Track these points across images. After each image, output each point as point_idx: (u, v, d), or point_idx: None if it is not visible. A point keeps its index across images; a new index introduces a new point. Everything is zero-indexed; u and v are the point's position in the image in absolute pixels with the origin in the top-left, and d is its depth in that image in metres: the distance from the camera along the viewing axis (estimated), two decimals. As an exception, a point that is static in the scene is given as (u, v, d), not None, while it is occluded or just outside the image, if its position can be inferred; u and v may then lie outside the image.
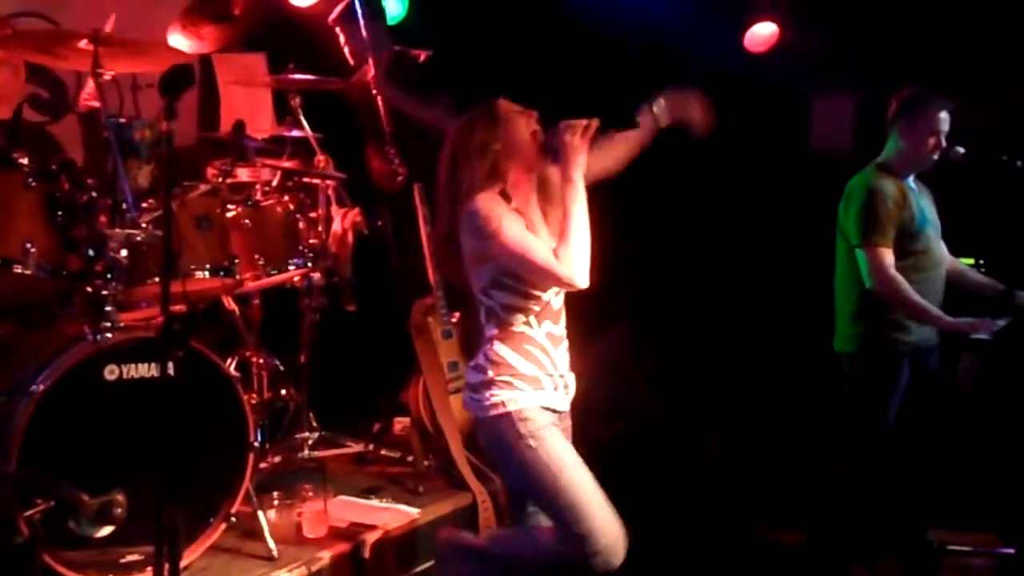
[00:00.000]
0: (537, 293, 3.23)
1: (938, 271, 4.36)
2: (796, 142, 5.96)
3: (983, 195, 4.98)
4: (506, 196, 3.26)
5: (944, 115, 4.26)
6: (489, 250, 3.17)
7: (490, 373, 3.24)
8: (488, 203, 3.18)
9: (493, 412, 3.23)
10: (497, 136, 3.27)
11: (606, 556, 3.20)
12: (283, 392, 4.76)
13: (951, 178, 4.48)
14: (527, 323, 3.26)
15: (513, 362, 3.24)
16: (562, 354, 3.34)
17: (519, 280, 3.21)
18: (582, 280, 3.15)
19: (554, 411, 3.30)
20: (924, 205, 4.35)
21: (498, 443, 3.27)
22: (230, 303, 4.60)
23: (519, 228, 3.17)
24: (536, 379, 3.26)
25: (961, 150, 4.34)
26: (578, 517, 3.18)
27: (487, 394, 3.24)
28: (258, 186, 4.41)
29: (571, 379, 3.39)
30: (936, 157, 4.29)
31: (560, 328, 3.34)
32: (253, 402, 4.53)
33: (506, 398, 3.22)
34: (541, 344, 3.27)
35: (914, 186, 4.36)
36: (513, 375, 3.23)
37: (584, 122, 3.21)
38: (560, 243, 3.15)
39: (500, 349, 3.25)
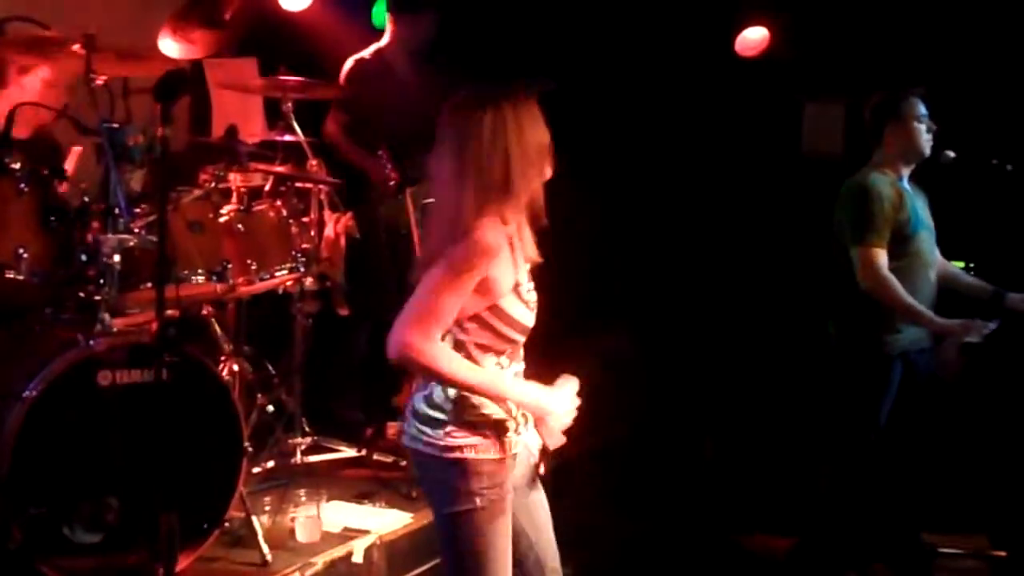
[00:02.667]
0: (514, 336, 2.86)
1: (930, 273, 4.38)
2: (787, 146, 5.98)
3: (973, 198, 5.00)
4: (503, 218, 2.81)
5: (919, 101, 4.31)
6: (440, 273, 2.73)
7: (450, 413, 2.82)
8: (492, 237, 2.74)
9: (447, 456, 2.81)
10: (521, 135, 2.78)
11: None
12: (259, 399, 4.73)
13: (942, 181, 4.51)
14: (499, 364, 2.86)
15: (478, 403, 2.82)
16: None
17: (497, 320, 2.82)
18: (396, 355, 2.74)
19: (514, 454, 2.90)
20: (919, 207, 4.37)
21: (438, 487, 2.86)
22: (206, 308, 4.56)
23: (454, 288, 2.72)
24: (504, 422, 2.85)
25: (951, 153, 4.38)
26: None
27: (442, 433, 2.81)
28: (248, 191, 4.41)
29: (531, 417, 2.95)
30: (931, 143, 4.32)
31: (521, 366, 2.96)
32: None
33: (466, 443, 2.81)
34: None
35: (909, 188, 4.38)
36: (479, 419, 2.82)
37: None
38: (455, 366, 2.75)
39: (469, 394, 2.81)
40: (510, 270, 2.83)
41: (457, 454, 2.81)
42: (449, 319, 2.75)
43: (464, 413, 2.82)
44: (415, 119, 5.02)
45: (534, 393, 2.87)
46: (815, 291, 4.54)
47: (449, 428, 2.82)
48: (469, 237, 2.71)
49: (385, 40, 5.27)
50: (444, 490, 2.85)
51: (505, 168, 2.76)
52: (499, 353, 2.86)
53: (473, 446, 2.82)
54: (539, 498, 3.08)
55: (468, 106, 2.81)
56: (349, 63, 5.21)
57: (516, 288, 2.85)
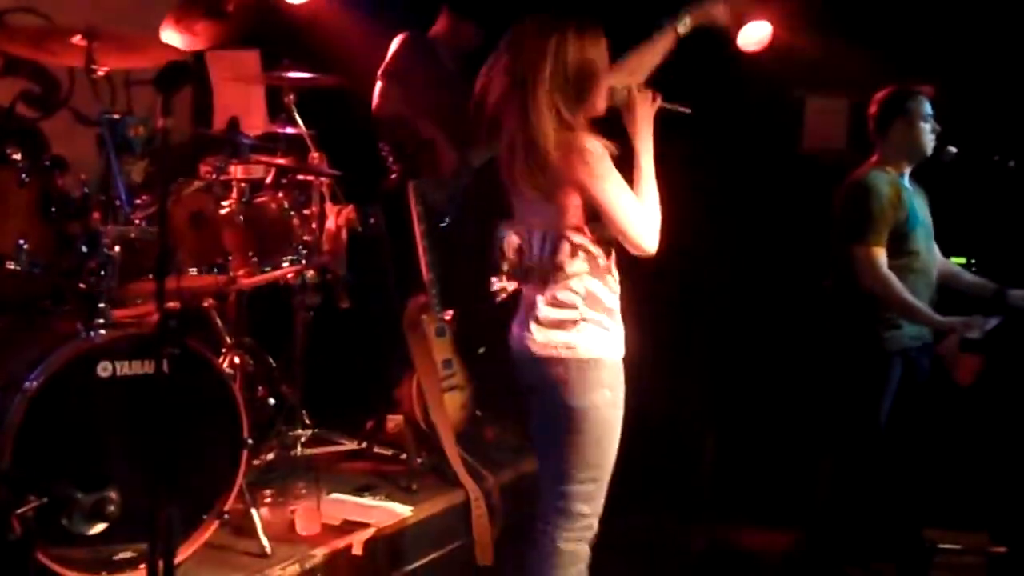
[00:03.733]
0: None
1: (930, 271, 4.38)
2: (789, 142, 5.97)
3: (975, 195, 4.99)
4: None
5: (927, 100, 4.31)
6: (595, 191, 3.08)
7: (582, 309, 3.14)
8: (596, 143, 3.10)
9: (583, 355, 3.13)
10: (599, 62, 3.17)
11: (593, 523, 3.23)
12: (259, 391, 4.73)
13: (944, 177, 4.50)
14: (609, 256, 3.21)
15: (604, 298, 3.16)
16: None
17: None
18: (654, 249, 3.14)
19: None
20: (918, 205, 4.36)
21: (570, 384, 3.13)
22: (207, 300, 4.56)
23: (622, 181, 3.11)
24: (618, 314, 3.20)
25: (953, 150, 4.37)
26: (595, 478, 3.19)
27: (574, 334, 3.13)
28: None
29: None
30: (934, 144, 4.32)
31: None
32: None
33: (598, 342, 3.14)
34: (615, 275, 3.23)
35: (909, 185, 4.37)
36: (605, 312, 3.16)
37: (649, 92, 3.26)
38: (644, 199, 3.16)
39: (591, 284, 3.15)
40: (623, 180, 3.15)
41: (592, 353, 3.13)
42: (637, 202, 3.13)
43: (594, 308, 3.14)
44: (451, 110, 5.09)
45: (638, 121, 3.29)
46: (815, 288, 4.53)
47: (582, 329, 3.13)
48: (578, 137, 3.09)
49: (433, 30, 5.26)
50: (577, 384, 3.12)
51: (580, 85, 3.11)
52: (612, 246, 3.19)
53: (605, 343, 3.15)
54: None
55: (535, 34, 3.14)
56: (401, 36, 5.17)
57: None
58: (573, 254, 3.15)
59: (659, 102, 3.29)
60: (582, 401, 3.13)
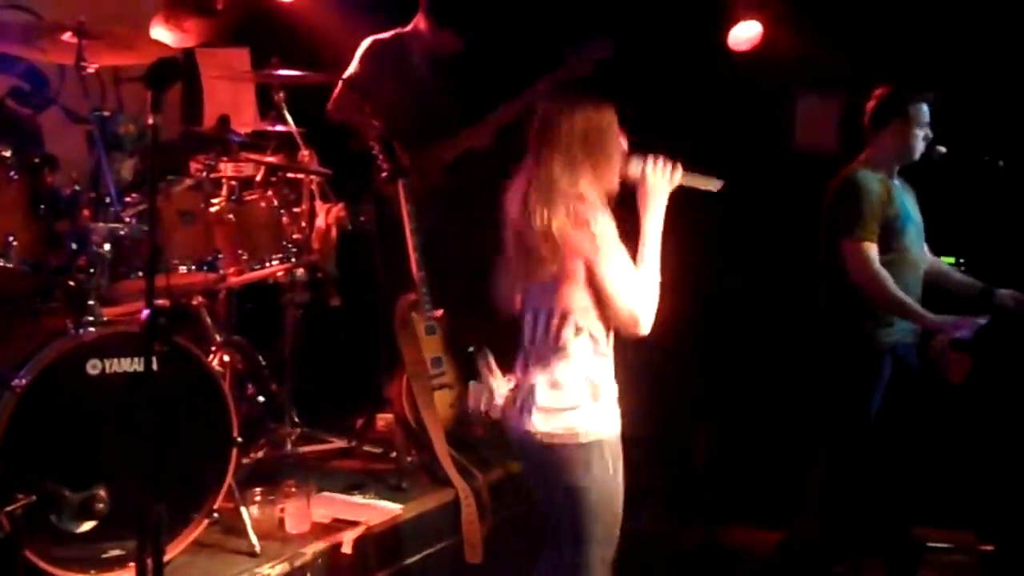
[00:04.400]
0: None
1: (918, 269, 4.39)
2: (781, 141, 5.98)
3: (965, 194, 5.01)
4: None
5: (927, 108, 4.31)
6: (597, 268, 3.07)
7: (584, 395, 3.12)
8: (607, 221, 3.08)
9: (583, 438, 3.11)
10: (614, 139, 3.17)
11: None
12: (249, 389, 4.72)
13: (933, 177, 4.51)
14: (607, 340, 3.18)
15: (604, 383, 3.15)
16: None
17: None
18: (647, 330, 3.12)
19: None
20: (908, 203, 4.38)
21: (573, 466, 3.13)
22: (197, 298, 4.55)
23: (626, 260, 3.10)
24: (614, 393, 3.20)
25: (943, 149, 4.38)
26: (597, 552, 3.21)
27: (578, 418, 3.11)
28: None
29: None
30: (923, 149, 4.33)
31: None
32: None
33: (599, 424, 3.13)
34: (610, 356, 3.21)
35: (899, 183, 4.38)
36: (605, 397, 3.15)
37: (669, 164, 3.20)
38: (644, 280, 3.12)
39: (593, 366, 3.13)
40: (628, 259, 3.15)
41: (592, 437, 3.10)
42: (635, 282, 3.11)
43: (596, 394, 3.12)
44: (418, 111, 5.10)
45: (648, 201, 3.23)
46: (806, 285, 4.54)
47: (583, 412, 3.10)
48: (590, 213, 3.05)
49: (409, 27, 5.23)
50: (579, 471, 3.11)
51: (593, 154, 3.12)
52: (610, 331, 3.17)
53: (604, 423, 3.14)
54: None
55: (549, 102, 3.20)
56: (367, 42, 5.14)
57: None
58: (577, 335, 3.13)
59: (679, 178, 3.24)
60: (585, 481, 3.12)
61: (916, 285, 4.36)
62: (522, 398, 3.20)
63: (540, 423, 3.14)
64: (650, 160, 3.21)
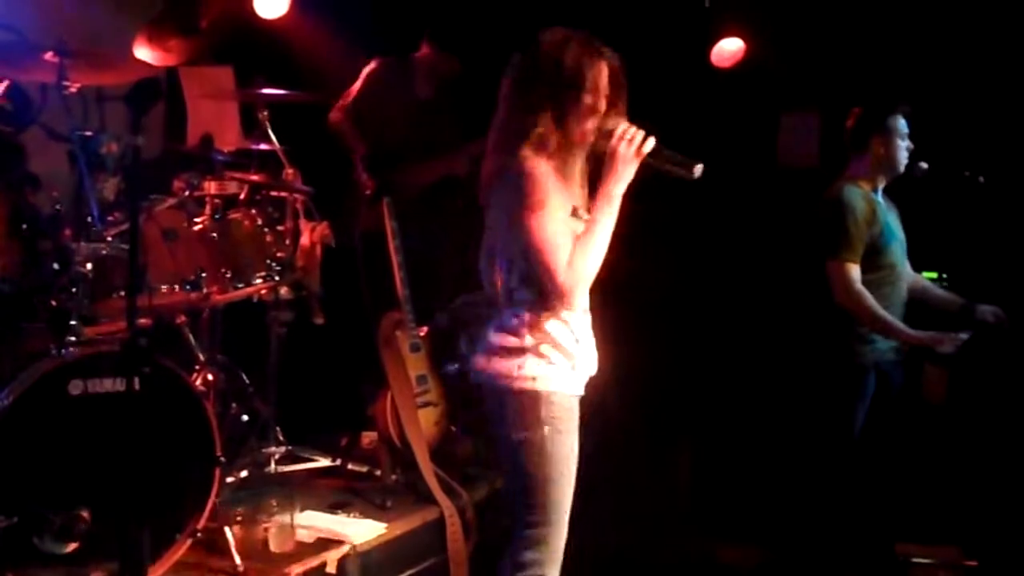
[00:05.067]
0: None
1: (902, 285, 4.41)
2: (763, 157, 6.00)
3: (946, 210, 5.03)
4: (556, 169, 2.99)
5: (905, 120, 4.34)
6: (522, 221, 2.90)
7: (527, 339, 2.97)
8: (540, 170, 2.91)
9: (519, 384, 2.97)
10: (586, 81, 2.98)
11: (543, 571, 3.08)
12: (232, 408, 4.70)
13: (915, 193, 4.54)
14: None
15: (554, 331, 2.98)
16: (589, 327, 3.12)
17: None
18: (575, 302, 2.95)
19: (577, 396, 3.09)
20: (891, 220, 4.40)
21: (509, 416, 3.00)
22: (180, 317, 4.54)
23: (557, 217, 2.91)
24: (572, 354, 3.01)
25: (924, 165, 4.41)
26: (543, 521, 3.04)
27: (515, 363, 2.97)
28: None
29: (595, 354, 3.16)
30: (907, 161, 4.35)
31: (587, 301, 3.10)
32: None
33: (539, 373, 2.97)
34: (579, 315, 3.06)
35: (882, 201, 4.40)
36: (552, 346, 2.98)
37: (642, 133, 2.97)
38: (575, 254, 2.91)
39: (539, 313, 2.98)
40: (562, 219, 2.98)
41: (529, 384, 2.97)
42: (566, 245, 2.91)
43: (539, 340, 2.98)
44: (417, 132, 5.16)
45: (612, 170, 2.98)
46: (790, 302, 4.55)
47: (525, 356, 2.97)
48: (519, 161, 2.93)
49: (419, 52, 5.34)
50: (515, 419, 2.99)
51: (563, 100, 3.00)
52: None
53: (547, 376, 2.98)
54: None
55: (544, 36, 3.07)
56: (374, 63, 5.28)
57: (575, 212, 3.01)
58: (522, 281, 3.00)
59: (649, 148, 2.99)
60: (520, 435, 3.00)
61: (900, 301, 4.38)
62: (478, 341, 3.14)
63: (482, 362, 3.06)
64: (623, 125, 3.00)
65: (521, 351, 2.99)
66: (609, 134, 2.99)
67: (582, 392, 3.11)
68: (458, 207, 5.09)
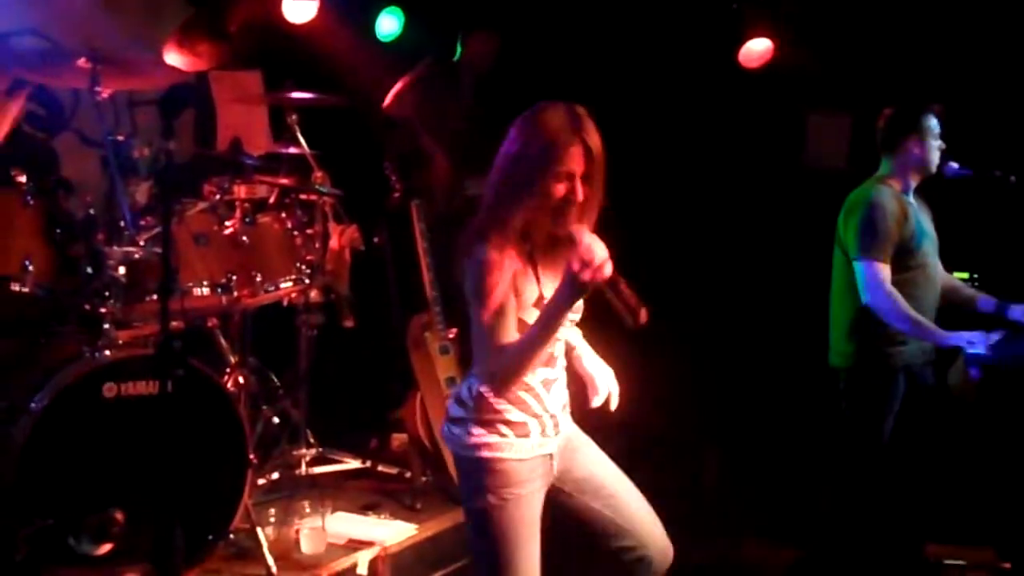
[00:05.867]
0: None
1: (934, 286, 4.38)
2: (791, 158, 5.99)
3: (977, 209, 5.00)
4: (526, 236, 2.88)
5: (936, 120, 4.33)
6: (472, 302, 2.84)
7: (473, 412, 2.95)
8: (496, 257, 2.80)
9: (467, 453, 2.95)
10: (550, 170, 2.79)
11: None
12: (263, 411, 4.73)
13: (946, 193, 4.51)
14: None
15: (500, 407, 2.94)
16: (556, 394, 3.03)
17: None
18: (499, 390, 2.90)
19: (543, 455, 3.00)
20: (923, 220, 4.37)
21: (465, 482, 3.01)
22: (211, 320, 4.57)
23: (500, 308, 2.80)
24: (523, 424, 2.95)
25: (955, 165, 4.38)
26: None
27: (465, 431, 2.95)
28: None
29: (564, 417, 3.07)
30: (938, 161, 4.34)
31: (556, 370, 3.03)
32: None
33: (485, 442, 2.94)
34: (534, 390, 2.97)
35: (914, 201, 4.38)
36: (498, 420, 2.94)
37: (602, 257, 2.67)
38: (515, 345, 2.80)
39: (487, 392, 2.94)
40: (532, 284, 2.91)
41: (476, 452, 2.94)
42: (509, 331, 2.83)
43: (482, 412, 2.95)
44: (461, 135, 5.21)
45: (561, 286, 2.74)
46: (818, 304, 4.53)
47: (471, 426, 2.95)
48: (480, 246, 2.82)
49: (461, 57, 5.48)
50: (469, 486, 2.98)
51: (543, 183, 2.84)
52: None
53: (493, 445, 2.94)
54: (601, 471, 3.13)
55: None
56: (426, 61, 5.43)
57: (539, 302, 2.90)
58: (479, 354, 2.92)
59: (599, 282, 2.69)
60: (470, 503, 2.98)
61: (932, 302, 4.35)
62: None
63: (444, 428, 3.05)
64: (592, 247, 2.69)
65: (470, 421, 2.96)
66: (571, 239, 2.77)
67: (546, 452, 3.01)
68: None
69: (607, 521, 3.10)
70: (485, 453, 2.94)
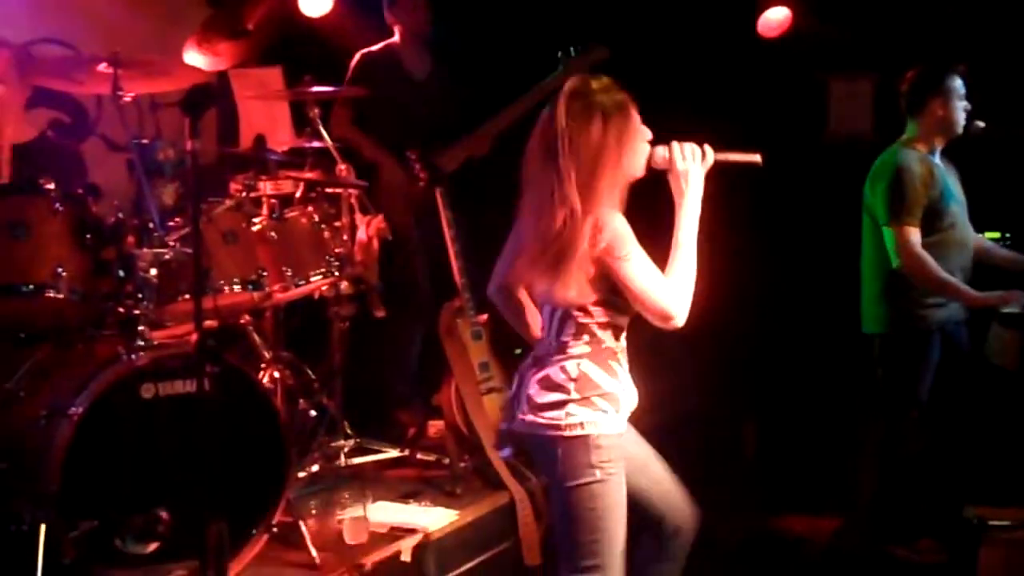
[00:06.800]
0: (628, 312, 3.05)
1: (965, 247, 4.36)
2: (814, 125, 5.95)
3: (1005, 168, 4.96)
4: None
5: (961, 80, 4.29)
6: (616, 272, 2.94)
7: (572, 392, 3.01)
8: (619, 223, 2.95)
9: (569, 433, 3.00)
10: (629, 137, 2.99)
11: None
12: (300, 404, 4.76)
13: (973, 152, 4.48)
14: (616, 338, 3.07)
15: (599, 380, 3.02)
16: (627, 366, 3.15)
17: (627, 301, 3.00)
18: (682, 321, 2.99)
19: (624, 431, 3.11)
20: (951, 182, 4.35)
21: (561, 463, 3.02)
22: (244, 317, 4.59)
23: (646, 259, 2.97)
24: (617, 398, 3.05)
25: (981, 124, 4.35)
26: (601, 565, 3.04)
27: (563, 412, 3.00)
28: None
29: (634, 390, 3.17)
30: (964, 122, 4.30)
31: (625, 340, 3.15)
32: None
33: (587, 419, 3.00)
34: (621, 359, 3.09)
35: (940, 162, 4.35)
36: (598, 394, 3.02)
37: (697, 147, 3.05)
38: (671, 280, 2.98)
39: (587, 367, 3.02)
40: (647, 258, 3.02)
41: (578, 431, 3.00)
42: (662, 278, 2.99)
43: (584, 390, 3.01)
44: (417, 117, 5.17)
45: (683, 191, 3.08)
46: (847, 271, 4.51)
47: (570, 407, 3.00)
48: (602, 217, 2.94)
49: (395, 37, 5.33)
50: (567, 466, 3.01)
51: (616, 167, 2.99)
52: (620, 329, 3.08)
53: (594, 421, 3.00)
54: (648, 453, 3.28)
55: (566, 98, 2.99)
56: (356, 57, 5.28)
57: None
58: (578, 336, 3.04)
59: (710, 159, 3.08)
60: (571, 482, 3.02)
61: (964, 263, 4.33)
62: (516, 388, 3.17)
63: (528, 416, 3.08)
64: (675, 146, 3.06)
65: (570, 402, 3.02)
66: (661, 160, 3.06)
67: (626, 429, 3.13)
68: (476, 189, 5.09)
69: (652, 496, 3.22)
70: (591, 430, 3.00)
